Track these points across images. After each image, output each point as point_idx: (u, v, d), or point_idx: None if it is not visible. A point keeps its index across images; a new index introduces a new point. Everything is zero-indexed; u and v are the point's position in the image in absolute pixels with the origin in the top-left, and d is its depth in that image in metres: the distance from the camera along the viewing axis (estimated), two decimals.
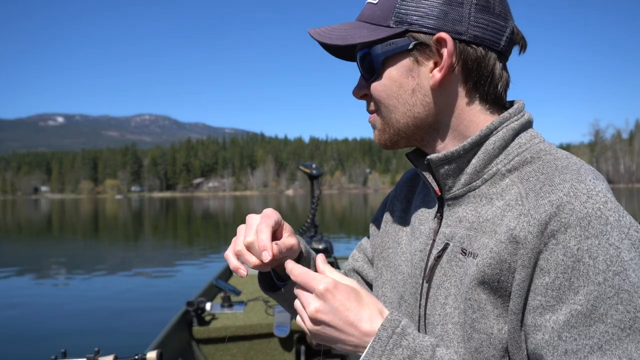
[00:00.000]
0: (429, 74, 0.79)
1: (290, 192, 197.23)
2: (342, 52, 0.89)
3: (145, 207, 67.77)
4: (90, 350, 1.69)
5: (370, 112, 0.87)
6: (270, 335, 3.08)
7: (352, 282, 0.76)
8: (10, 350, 5.85)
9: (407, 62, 0.80)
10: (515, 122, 0.81)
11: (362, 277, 1.12)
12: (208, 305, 3.24)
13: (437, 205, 0.88)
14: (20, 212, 57.83)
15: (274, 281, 0.96)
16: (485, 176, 0.80)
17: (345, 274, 1.16)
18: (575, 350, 0.65)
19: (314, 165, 4.47)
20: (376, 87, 0.82)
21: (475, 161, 0.80)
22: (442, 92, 0.81)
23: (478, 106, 0.82)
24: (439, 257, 0.83)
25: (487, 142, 0.79)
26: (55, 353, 1.65)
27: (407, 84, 0.80)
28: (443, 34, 0.77)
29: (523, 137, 0.81)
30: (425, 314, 0.84)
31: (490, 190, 0.80)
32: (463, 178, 0.82)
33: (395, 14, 0.78)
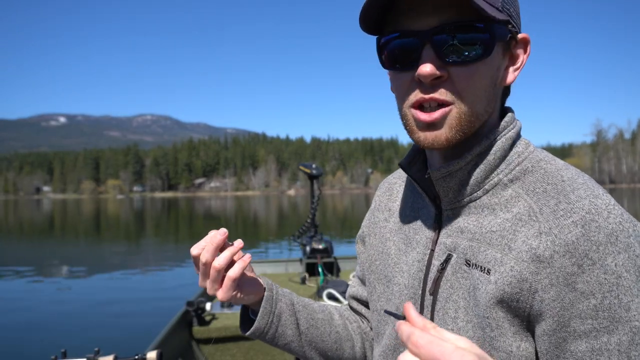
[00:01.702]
0: (504, 70, 0.77)
1: (291, 192, 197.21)
2: (371, 16, 0.76)
3: (147, 207, 67.86)
4: (90, 350, 1.69)
5: (438, 102, 0.73)
6: None
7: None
8: (11, 350, 5.85)
9: (501, 52, 0.76)
10: (512, 131, 0.80)
11: (360, 302, 1.11)
12: (208, 305, 3.24)
13: (434, 214, 0.86)
14: (22, 212, 57.93)
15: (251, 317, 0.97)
16: (486, 187, 0.79)
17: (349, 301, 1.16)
18: None
19: (314, 165, 4.47)
20: (471, 72, 0.72)
21: (477, 173, 0.78)
22: (500, 92, 0.79)
23: (498, 112, 0.83)
24: (442, 268, 0.81)
25: (487, 153, 0.78)
26: (55, 353, 1.65)
27: (495, 75, 0.76)
28: (527, 35, 0.75)
29: (519, 146, 0.81)
30: None
31: (492, 201, 0.78)
32: (464, 190, 0.80)
33: (502, 1, 0.73)
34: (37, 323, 6.92)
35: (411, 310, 0.59)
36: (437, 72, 0.71)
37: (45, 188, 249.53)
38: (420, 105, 0.75)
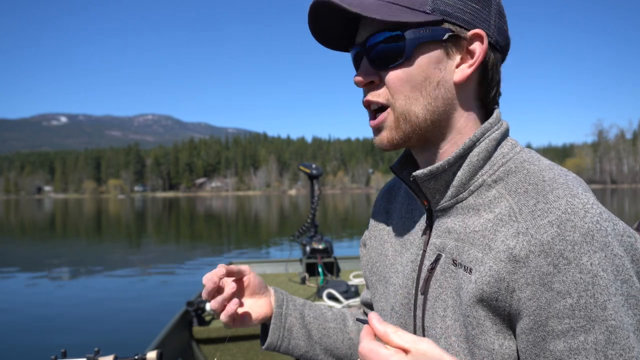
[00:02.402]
0: (455, 68, 0.78)
1: (293, 192, 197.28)
2: (335, 32, 0.84)
3: (147, 207, 67.88)
4: (90, 350, 1.69)
5: (373, 105, 0.81)
6: None
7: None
8: (11, 350, 5.86)
9: (438, 52, 0.77)
10: (497, 132, 0.80)
11: (369, 307, 1.15)
12: (208, 306, 3.23)
13: (426, 215, 0.87)
14: (24, 211, 57.98)
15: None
16: (471, 188, 0.80)
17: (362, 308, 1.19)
18: None
19: (314, 165, 4.46)
20: (398, 75, 0.77)
21: (460, 174, 0.79)
22: (461, 90, 0.80)
23: (479, 110, 0.83)
24: (432, 268, 0.82)
25: (470, 154, 0.79)
26: (55, 353, 1.64)
27: (434, 75, 0.77)
28: (480, 31, 0.76)
29: (505, 147, 0.81)
30: (423, 325, 0.83)
31: (477, 201, 0.79)
32: (450, 191, 0.81)
33: (433, 1, 0.75)
34: (37, 323, 6.93)
35: (373, 318, 0.64)
36: (362, 80, 0.79)
37: (47, 188, 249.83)
38: (369, 109, 0.83)
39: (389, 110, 0.79)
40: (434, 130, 0.81)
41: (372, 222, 1.08)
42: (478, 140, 0.79)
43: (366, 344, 0.62)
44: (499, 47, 0.79)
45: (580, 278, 0.64)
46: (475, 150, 0.79)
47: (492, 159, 0.80)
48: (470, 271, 0.75)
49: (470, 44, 0.77)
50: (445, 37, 0.76)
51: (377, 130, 0.82)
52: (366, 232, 1.09)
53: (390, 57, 0.77)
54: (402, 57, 0.76)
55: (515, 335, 0.72)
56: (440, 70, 0.77)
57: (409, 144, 0.82)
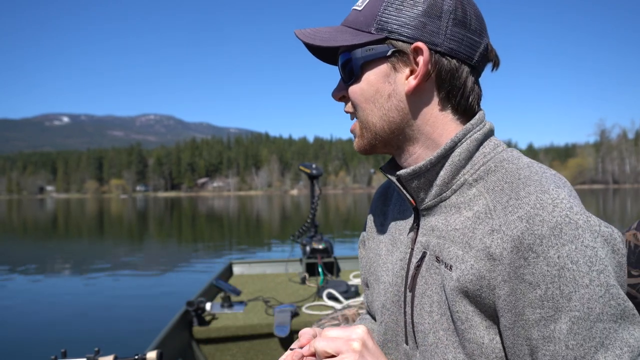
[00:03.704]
0: (405, 80, 0.82)
1: (294, 191, 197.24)
2: (325, 54, 0.92)
3: (149, 206, 67.92)
4: (90, 350, 1.69)
5: (347, 113, 0.90)
6: (270, 335, 3.07)
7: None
8: (10, 350, 5.85)
9: (384, 67, 0.82)
10: (478, 133, 0.83)
11: (370, 313, 1.14)
12: (208, 305, 3.23)
13: (414, 214, 0.91)
14: (26, 211, 58.06)
15: None
16: (454, 187, 0.83)
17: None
18: (583, 355, 0.66)
19: (314, 165, 4.46)
20: (354, 90, 0.85)
21: (443, 173, 0.82)
22: (416, 99, 0.83)
23: (450, 115, 0.85)
24: (418, 265, 0.85)
25: (452, 154, 0.82)
26: (55, 353, 1.64)
27: (384, 88, 0.83)
28: (420, 44, 0.79)
29: (487, 147, 0.84)
30: (413, 321, 0.86)
31: (458, 200, 0.82)
32: (433, 190, 0.84)
33: (377, 22, 0.81)
34: (37, 322, 6.92)
35: (301, 334, 0.80)
36: (338, 94, 0.90)
37: (49, 187, 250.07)
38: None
39: (357, 120, 0.88)
40: (398, 137, 0.86)
41: (369, 223, 1.11)
42: (460, 140, 0.82)
43: (284, 357, 0.77)
44: (458, 55, 0.81)
45: (547, 271, 0.66)
46: (457, 151, 0.82)
47: (474, 158, 0.83)
48: (451, 268, 0.77)
49: (416, 56, 0.80)
50: (389, 53, 0.81)
51: (353, 135, 0.91)
52: (364, 233, 1.12)
53: (347, 76, 0.86)
54: (353, 75, 0.84)
55: (500, 332, 0.74)
56: (390, 83, 0.83)
57: (377, 149, 0.89)
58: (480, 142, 0.84)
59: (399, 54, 0.81)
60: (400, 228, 0.95)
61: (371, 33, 0.81)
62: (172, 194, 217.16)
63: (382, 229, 1.04)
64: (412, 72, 0.82)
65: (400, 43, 0.80)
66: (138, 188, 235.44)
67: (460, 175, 0.82)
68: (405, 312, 0.88)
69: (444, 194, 0.83)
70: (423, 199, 0.86)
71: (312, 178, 4.51)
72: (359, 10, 0.84)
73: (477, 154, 0.83)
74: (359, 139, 0.88)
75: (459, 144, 0.82)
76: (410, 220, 0.92)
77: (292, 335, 3.08)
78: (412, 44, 0.80)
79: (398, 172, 0.84)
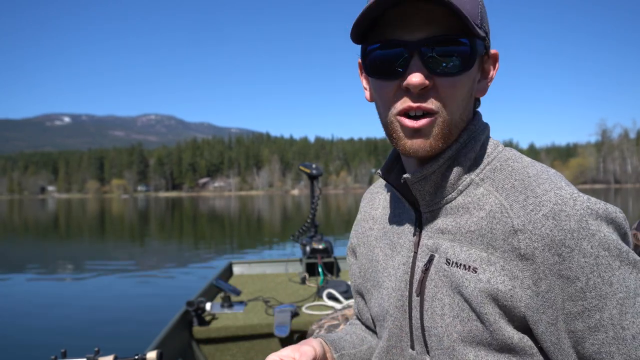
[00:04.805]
0: (477, 84, 0.82)
1: (295, 191, 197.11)
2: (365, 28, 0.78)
3: (150, 206, 67.96)
4: (90, 350, 1.69)
5: (418, 111, 0.76)
6: (270, 335, 3.07)
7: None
8: (11, 350, 5.85)
9: (476, 66, 0.80)
10: (481, 134, 0.84)
11: (362, 321, 1.13)
12: (208, 305, 3.23)
13: (414, 218, 0.89)
14: (27, 211, 58.11)
15: None
16: (460, 187, 0.82)
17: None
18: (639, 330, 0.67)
19: (314, 165, 4.47)
20: (455, 83, 0.76)
21: (450, 175, 0.82)
22: (472, 102, 0.83)
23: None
24: (426, 269, 0.83)
25: (459, 155, 0.82)
26: (55, 353, 1.64)
27: (472, 87, 0.80)
28: (497, 52, 0.80)
29: (489, 147, 0.85)
30: (422, 326, 0.84)
31: (465, 200, 0.81)
32: (439, 192, 0.83)
33: (480, 18, 0.77)
34: (37, 322, 6.92)
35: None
36: (426, 82, 0.73)
37: (50, 187, 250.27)
38: (405, 113, 0.77)
39: (436, 116, 0.76)
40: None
41: (358, 229, 1.08)
42: (466, 142, 0.82)
43: None
44: None
45: (585, 262, 0.68)
46: (463, 152, 0.82)
47: (478, 159, 0.83)
48: (475, 270, 0.76)
49: (488, 62, 0.81)
50: (483, 53, 0.79)
51: (418, 133, 0.77)
52: (352, 240, 1.10)
53: (454, 64, 0.74)
54: (466, 66, 0.75)
55: (537, 330, 0.74)
56: (475, 82, 0.81)
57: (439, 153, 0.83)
58: (483, 143, 0.85)
59: (487, 56, 0.81)
60: (398, 232, 0.93)
61: (479, 27, 0.76)
62: (173, 194, 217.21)
63: (374, 234, 1.01)
64: (482, 76, 0.82)
65: (488, 46, 0.80)
66: (139, 188, 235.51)
67: (466, 176, 0.82)
68: (411, 317, 0.86)
69: (450, 195, 0.82)
70: (429, 201, 0.84)
71: (312, 178, 4.51)
72: None
73: (481, 154, 0.83)
74: (435, 140, 0.77)
75: (465, 146, 0.82)
76: (410, 224, 0.90)
77: (292, 335, 3.08)
78: (490, 49, 0.80)
79: (405, 176, 0.82)
